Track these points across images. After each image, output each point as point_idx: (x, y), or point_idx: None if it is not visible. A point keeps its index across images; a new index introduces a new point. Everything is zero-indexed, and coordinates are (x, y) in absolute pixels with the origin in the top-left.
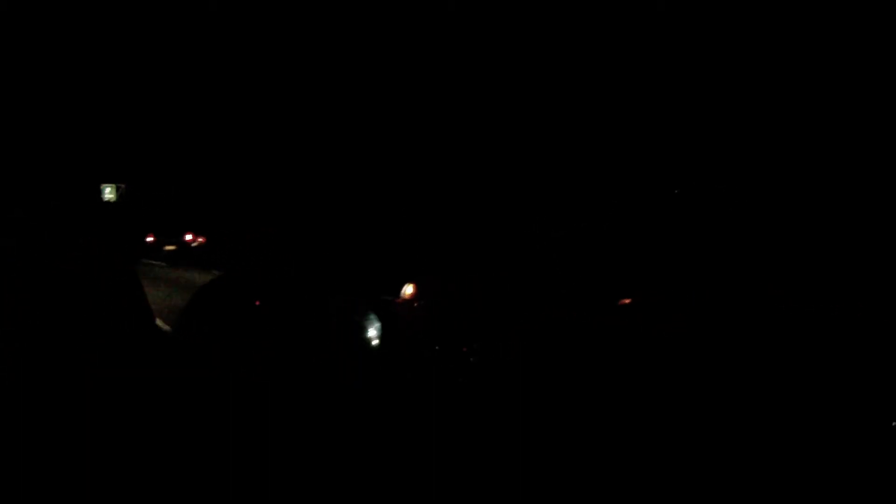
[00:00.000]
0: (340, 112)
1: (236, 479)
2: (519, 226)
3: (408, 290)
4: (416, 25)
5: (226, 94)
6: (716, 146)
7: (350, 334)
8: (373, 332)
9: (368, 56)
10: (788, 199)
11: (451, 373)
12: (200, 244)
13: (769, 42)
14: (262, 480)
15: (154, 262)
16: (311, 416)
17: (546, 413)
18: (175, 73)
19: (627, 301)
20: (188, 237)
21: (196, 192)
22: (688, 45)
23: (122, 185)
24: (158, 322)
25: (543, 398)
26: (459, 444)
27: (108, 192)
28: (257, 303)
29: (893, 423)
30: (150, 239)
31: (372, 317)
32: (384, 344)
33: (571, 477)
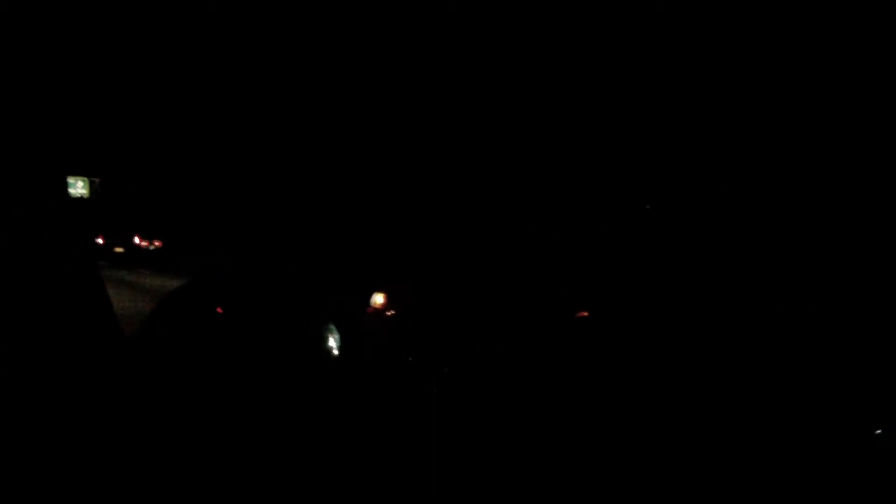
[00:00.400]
0: (314, 113)
1: (194, 485)
2: (490, 233)
3: (378, 299)
4: (396, 24)
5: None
6: (714, 146)
7: (309, 345)
8: (332, 343)
9: (345, 57)
10: (783, 200)
11: (424, 384)
12: (157, 248)
13: (761, 43)
14: (221, 486)
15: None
16: (271, 426)
17: (526, 422)
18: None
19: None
20: (136, 240)
21: (169, 192)
22: (683, 45)
23: (97, 180)
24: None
25: (522, 407)
26: (432, 455)
27: (80, 187)
28: (219, 310)
29: (877, 431)
30: (99, 241)
31: (331, 327)
32: (344, 355)
33: (552, 488)
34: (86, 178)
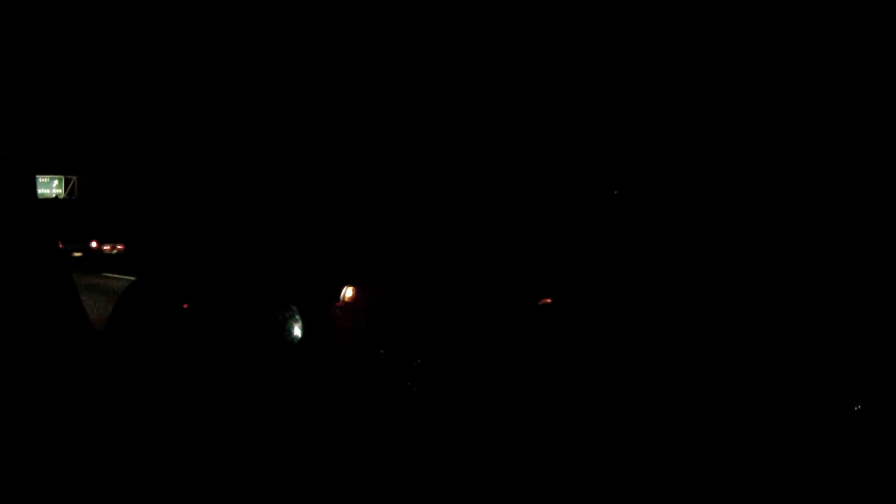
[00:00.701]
0: (281, 107)
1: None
2: (460, 228)
3: (348, 292)
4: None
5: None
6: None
7: (273, 335)
8: (297, 333)
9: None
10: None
11: (398, 377)
12: (119, 251)
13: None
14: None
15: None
16: (238, 417)
17: (499, 415)
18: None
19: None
20: (94, 244)
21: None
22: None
23: (74, 178)
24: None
25: (494, 400)
26: (405, 445)
27: (55, 187)
28: (185, 305)
29: (856, 408)
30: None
31: (296, 316)
32: (309, 346)
33: (522, 482)
34: (61, 177)
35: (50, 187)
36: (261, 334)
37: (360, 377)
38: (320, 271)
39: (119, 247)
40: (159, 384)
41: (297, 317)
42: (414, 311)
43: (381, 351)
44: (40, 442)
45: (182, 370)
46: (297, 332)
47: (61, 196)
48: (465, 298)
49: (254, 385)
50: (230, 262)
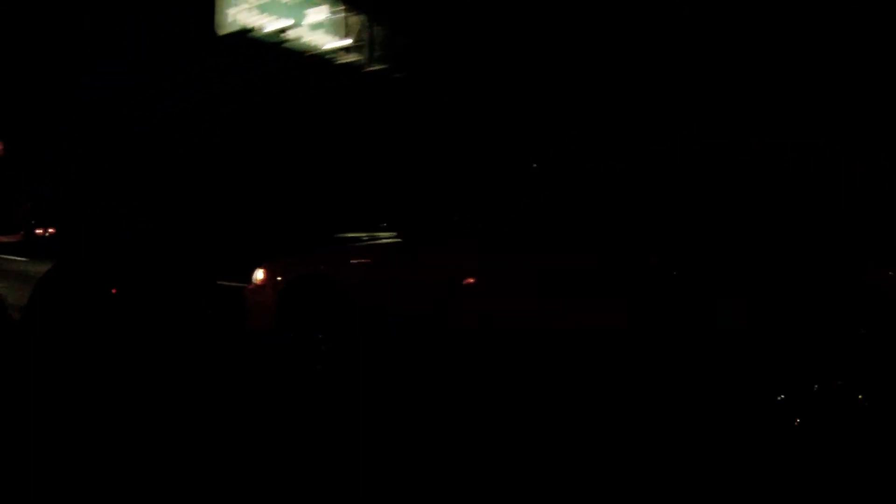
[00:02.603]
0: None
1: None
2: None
3: (258, 275)
4: None
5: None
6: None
7: (188, 316)
8: (211, 314)
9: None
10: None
11: (305, 360)
12: (50, 234)
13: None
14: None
15: None
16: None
17: (408, 398)
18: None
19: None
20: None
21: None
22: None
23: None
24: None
25: (403, 382)
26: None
27: None
28: (114, 290)
29: (779, 398)
30: None
31: (206, 300)
32: (219, 328)
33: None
34: None
35: None
36: (174, 316)
37: (268, 359)
38: (242, 253)
39: (51, 230)
40: (76, 367)
41: (211, 299)
42: (320, 294)
43: (290, 333)
44: None
45: (99, 352)
46: (211, 313)
47: None
48: (376, 280)
49: (166, 367)
50: (151, 246)
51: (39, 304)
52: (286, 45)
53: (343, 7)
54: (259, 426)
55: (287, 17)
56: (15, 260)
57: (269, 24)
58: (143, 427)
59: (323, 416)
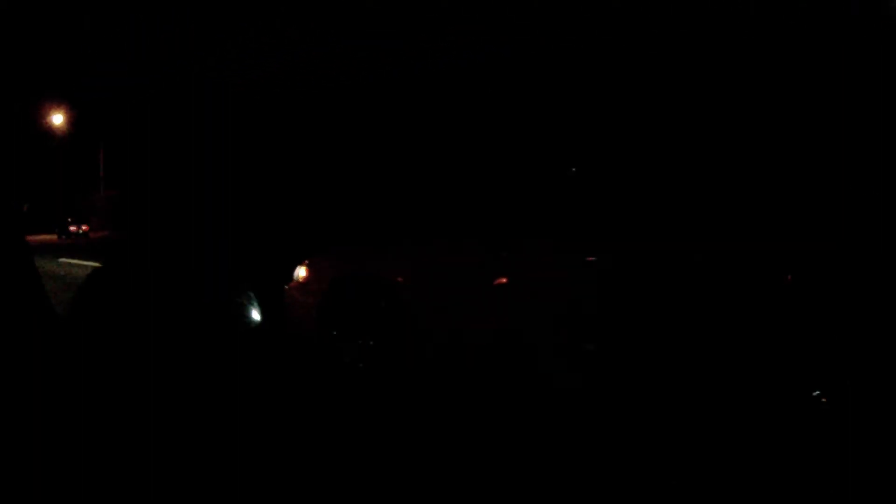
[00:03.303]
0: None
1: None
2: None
3: (300, 272)
4: None
5: None
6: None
7: (232, 317)
8: (255, 316)
9: None
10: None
11: (350, 357)
12: (84, 231)
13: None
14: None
15: None
16: (198, 400)
17: (455, 396)
18: None
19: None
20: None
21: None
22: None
23: None
24: None
25: (452, 380)
26: (358, 428)
27: None
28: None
29: (815, 393)
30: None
31: (254, 301)
32: (265, 327)
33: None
34: None
35: None
36: (220, 320)
37: (313, 359)
38: (281, 252)
39: (84, 227)
40: (122, 370)
41: (255, 301)
42: (366, 293)
43: (334, 332)
44: (5, 429)
45: (144, 355)
46: (255, 316)
47: None
48: (418, 279)
49: (214, 370)
50: (189, 248)
51: (82, 306)
52: None
53: None
54: (290, 425)
55: None
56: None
57: None
58: (181, 424)
59: (363, 417)
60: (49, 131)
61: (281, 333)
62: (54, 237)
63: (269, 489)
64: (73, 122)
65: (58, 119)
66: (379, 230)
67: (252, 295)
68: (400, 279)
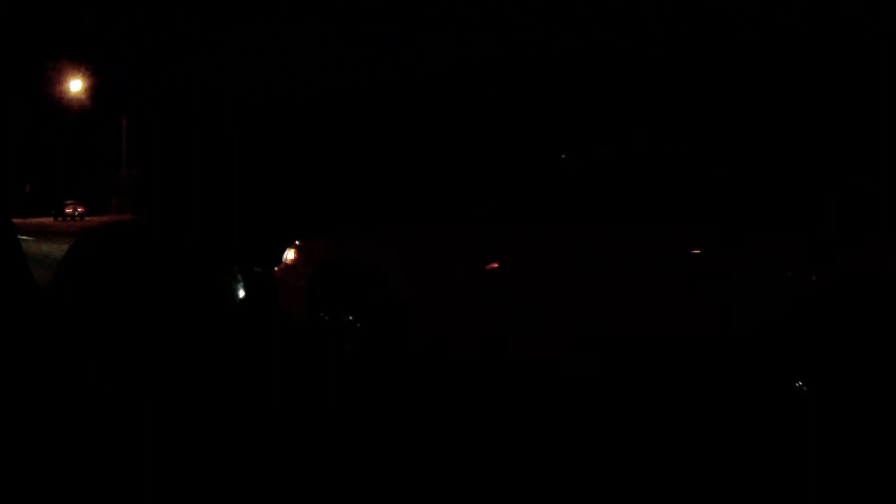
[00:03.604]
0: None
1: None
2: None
3: (289, 255)
4: None
5: None
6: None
7: (216, 293)
8: (240, 294)
9: None
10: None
11: (339, 339)
12: (80, 213)
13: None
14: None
15: None
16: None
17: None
18: None
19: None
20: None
21: None
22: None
23: None
24: None
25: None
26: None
27: None
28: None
29: (798, 384)
30: None
31: (238, 277)
32: (251, 308)
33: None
34: None
35: None
36: (205, 296)
37: (301, 339)
38: (271, 231)
39: (80, 209)
40: (104, 343)
41: (240, 278)
42: (353, 275)
43: (321, 313)
44: None
45: (127, 330)
46: (241, 293)
47: None
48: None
49: (197, 346)
50: (177, 224)
51: (64, 281)
52: None
53: None
54: (279, 410)
55: None
56: None
57: None
58: (171, 408)
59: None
60: (61, 103)
61: (268, 313)
62: (51, 220)
63: (252, 470)
64: (91, 94)
65: (76, 86)
66: (368, 217)
67: (238, 272)
68: (386, 263)
